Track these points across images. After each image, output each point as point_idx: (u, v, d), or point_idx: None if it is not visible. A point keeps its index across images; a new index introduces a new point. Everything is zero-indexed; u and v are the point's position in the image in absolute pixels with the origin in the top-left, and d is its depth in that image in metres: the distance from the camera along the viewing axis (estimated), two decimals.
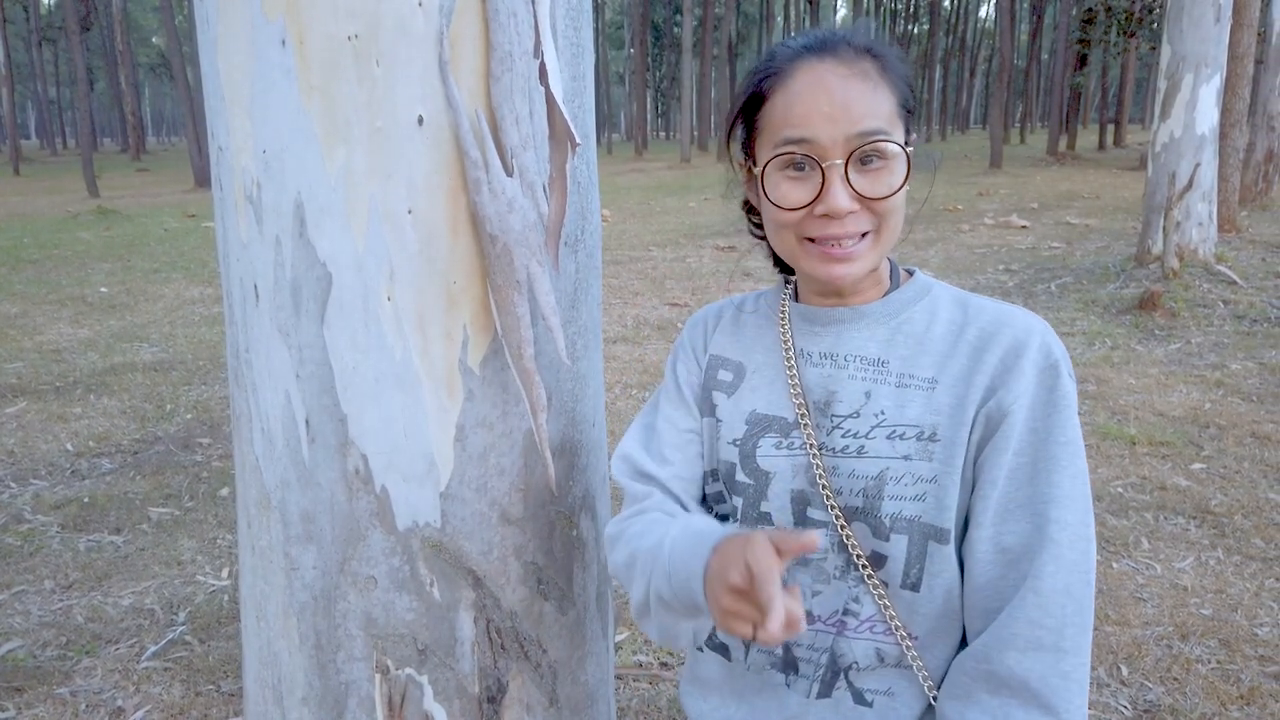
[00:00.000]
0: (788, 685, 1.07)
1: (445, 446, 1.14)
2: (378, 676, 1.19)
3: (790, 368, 1.08)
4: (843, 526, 1.03)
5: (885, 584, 1.02)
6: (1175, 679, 2.72)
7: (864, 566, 1.02)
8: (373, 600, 1.17)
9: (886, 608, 1.02)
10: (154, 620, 3.23)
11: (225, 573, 3.58)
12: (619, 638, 3.02)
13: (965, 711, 0.96)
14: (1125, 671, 2.77)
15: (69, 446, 5.01)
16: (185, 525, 3.99)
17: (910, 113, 1.01)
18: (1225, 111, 9.89)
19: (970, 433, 0.98)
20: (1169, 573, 3.36)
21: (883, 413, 1.01)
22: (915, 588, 1.01)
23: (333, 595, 1.17)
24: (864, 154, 0.96)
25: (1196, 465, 4.33)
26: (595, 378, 1.31)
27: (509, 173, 1.07)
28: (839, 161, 0.95)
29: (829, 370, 1.06)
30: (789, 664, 1.07)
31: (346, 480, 1.14)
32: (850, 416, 1.03)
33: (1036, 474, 0.96)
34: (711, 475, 1.13)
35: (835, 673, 1.04)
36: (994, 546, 0.97)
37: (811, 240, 1.00)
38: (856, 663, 1.03)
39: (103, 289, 9.69)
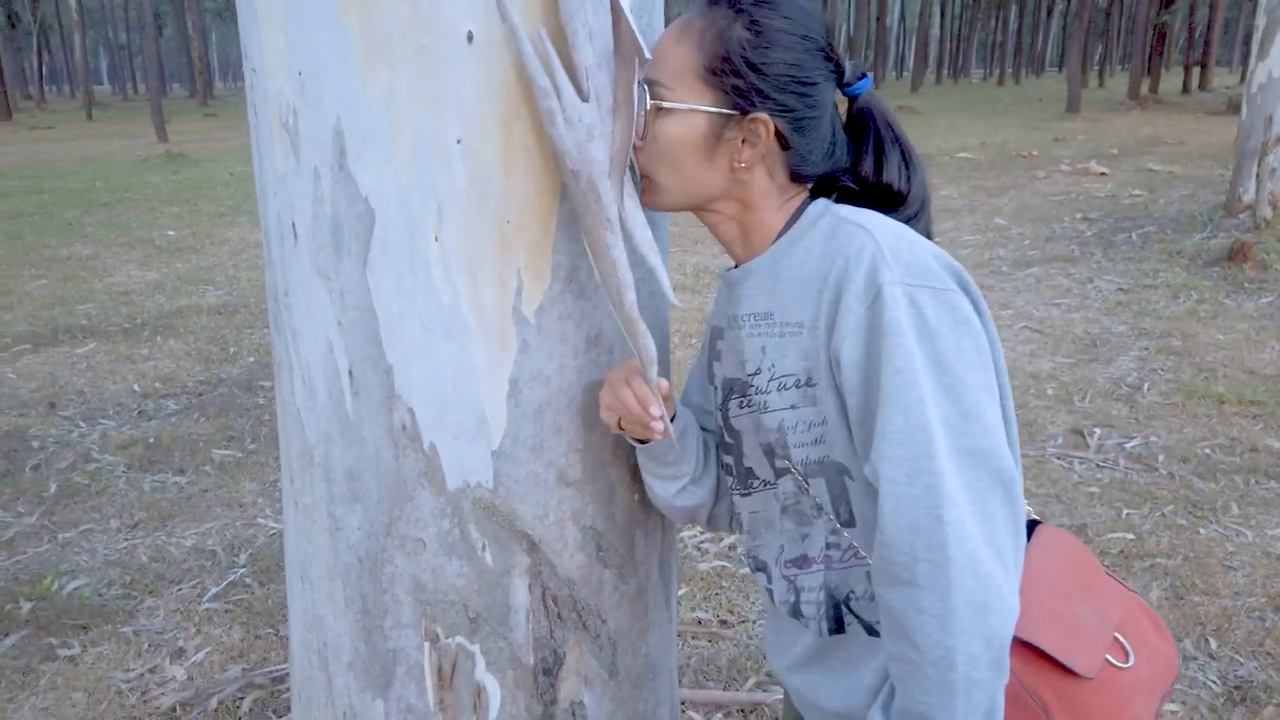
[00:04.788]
0: (805, 627, 1.09)
1: (498, 402, 1.05)
2: (427, 645, 1.11)
3: None
4: (798, 473, 1.04)
5: None
6: (1269, 654, 2.56)
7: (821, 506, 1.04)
8: (421, 564, 1.09)
9: None
10: (216, 562, 3.25)
11: None
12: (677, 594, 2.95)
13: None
14: (1214, 644, 2.61)
15: (136, 387, 5.08)
16: (247, 467, 4.02)
17: (734, 91, 0.98)
18: None
19: (834, 377, 0.96)
20: (1261, 540, 3.18)
21: (774, 366, 1.01)
22: (851, 523, 1.02)
23: (379, 558, 1.10)
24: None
25: None
26: (661, 326, 1.20)
27: (584, 97, 0.95)
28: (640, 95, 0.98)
29: (734, 332, 1.07)
30: (795, 612, 1.09)
31: (393, 436, 1.05)
32: (755, 374, 1.03)
33: (867, 414, 0.93)
34: (716, 437, 1.18)
35: (835, 604, 1.05)
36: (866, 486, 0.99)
37: None
38: (853, 591, 1.04)
39: (170, 232, 9.83)
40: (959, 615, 0.86)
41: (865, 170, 1.05)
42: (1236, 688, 2.44)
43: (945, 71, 58.32)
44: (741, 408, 1.08)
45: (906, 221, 1.02)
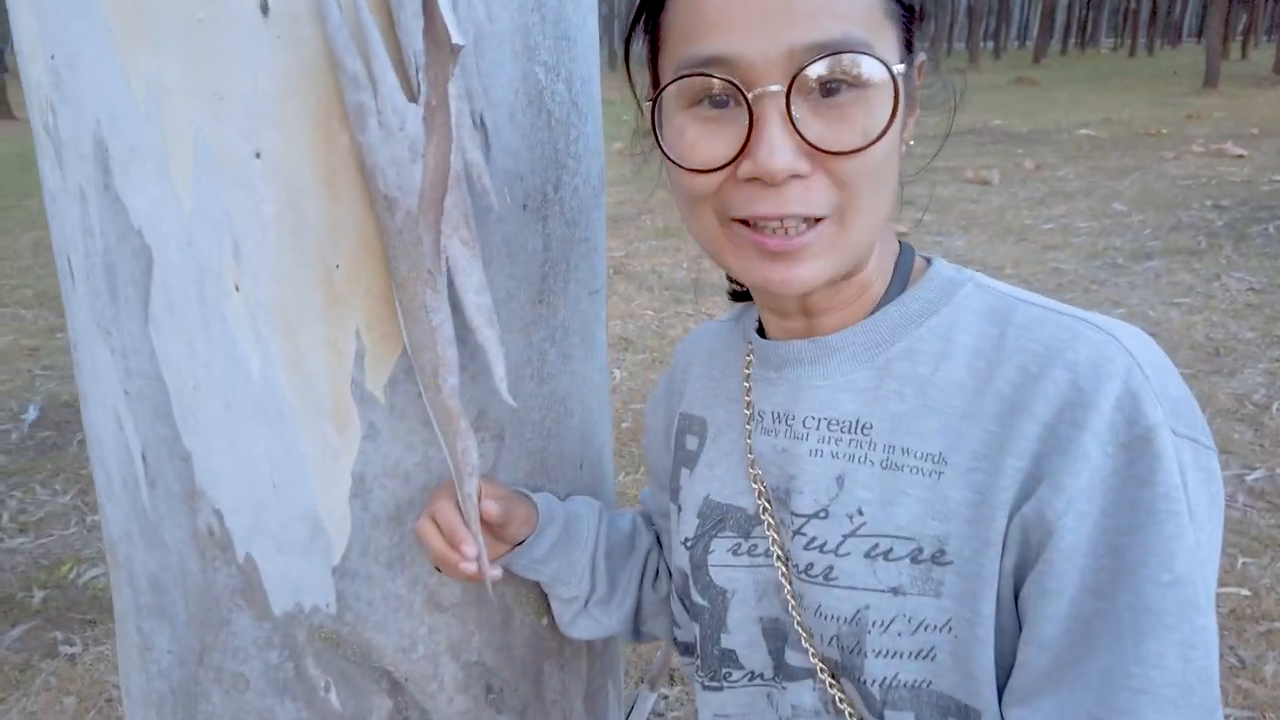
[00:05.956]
0: None
1: (337, 503, 0.78)
2: None
3: (749, 434, 0.72)
4: (831, 681, 0.67)
5: None
6: None
7: None
8: (244, 706, 0.83)
9: None
10: None
11: None
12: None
13: None
14: None
15: None
16: None
17: (912, 15, 0.61)
18: None
19: (1002, 553, 0.59)
20: None
21: (860, 512, 0.64)
22: None
23: (193, 692, 0.84)
24: (822, 77, 0.56)
25: None
26: (587, 398, 0.91)
27: (412, 95, 0.66)
28: (777, 88, 0.55)
29: (783, 441, 0.70)
30: None
31: (198, 543, 0.79)
32: (815, 516, 0.66)
33: (1072, 632, 0.56)
34: (676, 588, 0.80)
35: None
36: None
37: (744, 223, 0.60)
38: None
39: None
40: None
41: None
42: None
43: (1072, 41, 55.39)
44: (738, 554, 0.72)
45: None
